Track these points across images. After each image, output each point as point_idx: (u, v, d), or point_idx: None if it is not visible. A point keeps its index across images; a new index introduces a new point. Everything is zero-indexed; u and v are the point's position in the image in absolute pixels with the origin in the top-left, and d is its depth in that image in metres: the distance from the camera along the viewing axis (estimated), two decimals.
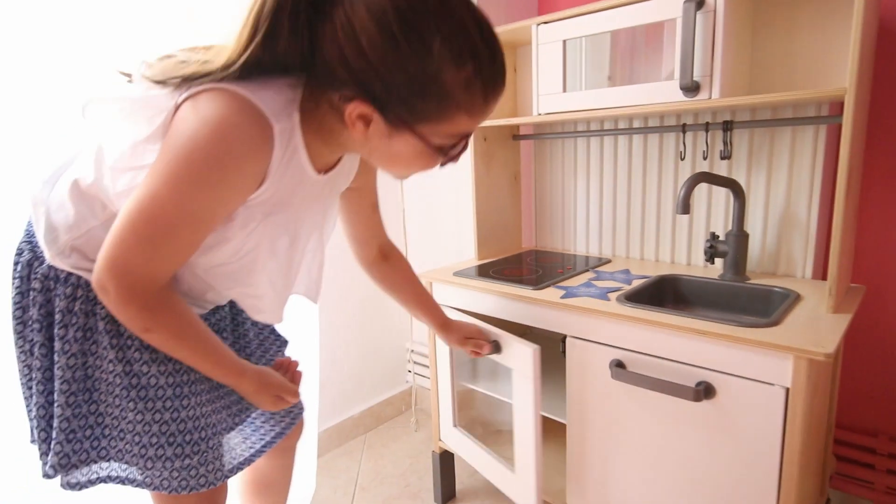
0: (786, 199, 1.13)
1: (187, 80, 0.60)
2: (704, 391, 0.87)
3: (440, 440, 1.39)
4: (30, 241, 0.73)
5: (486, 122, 1.31)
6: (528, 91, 1.48)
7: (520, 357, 1.04)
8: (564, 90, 1.18)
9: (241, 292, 0.76)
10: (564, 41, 1.16)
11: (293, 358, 0.90)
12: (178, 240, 0.63)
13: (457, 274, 1.28)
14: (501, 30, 1.25)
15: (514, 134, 1.51)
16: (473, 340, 1.09)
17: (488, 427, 1.47)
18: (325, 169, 0.72)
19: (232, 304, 0.88)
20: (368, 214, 0.93)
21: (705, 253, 1.16)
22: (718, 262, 1.21)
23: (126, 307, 0.64)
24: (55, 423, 0.71)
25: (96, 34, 1.13)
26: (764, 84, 1.12)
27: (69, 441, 0.72)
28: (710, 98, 0.98)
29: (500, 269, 1.31)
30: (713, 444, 0.89)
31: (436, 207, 1.74)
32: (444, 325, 1.08)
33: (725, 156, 1.14)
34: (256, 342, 0.92)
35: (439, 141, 0.63)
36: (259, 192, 0.65)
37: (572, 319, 1.03)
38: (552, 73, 1.19)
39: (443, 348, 1.29)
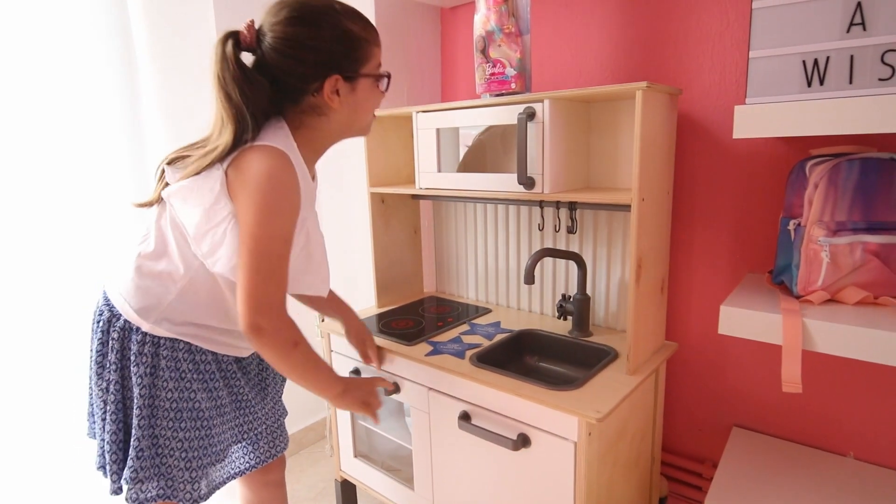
0: (621, 268, 1.34)
1: (217, 159, 0.85)
2: (522, 442, 1.06)
3: (341, 470, 1.56)
4: (107, 303, 0.94)
5: (386, 189, 1.49)
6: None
7: (415, 395, 1.27)
8: (439, 170, 1.36)
9: (306, 279, 0.99)
10: (438, 129, 1.34)
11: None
12: (284, 261, 0.86)
13: None
14: (396, 111, 1.43)
15: (414, 194, 1.69)
16: (363, 347, 1.29)
17: (387, 454, 1.65)
18: (313, 177, 0.98)
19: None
20: None
21: (557, 311, 1.36)
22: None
23: (279, 332, 0.85)
24: (132, 443, 0.90)
25: None
26: (598, 176, 1.32)
27: (139, 458, 0.90)
28: (542, 192, 1.17)
29: (391, 321, 1.49)
30: (528, 486, 1.09)
31: (352, 253, 1.91)
32: (347, 322, 1.27)
33: (572, 231, 1.34)
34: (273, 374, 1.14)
35: (375, 73, 0.93)
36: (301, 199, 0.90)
37: (433, 375, 1.22)
38: (429, 154, 1.37)
39: None
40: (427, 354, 1.24)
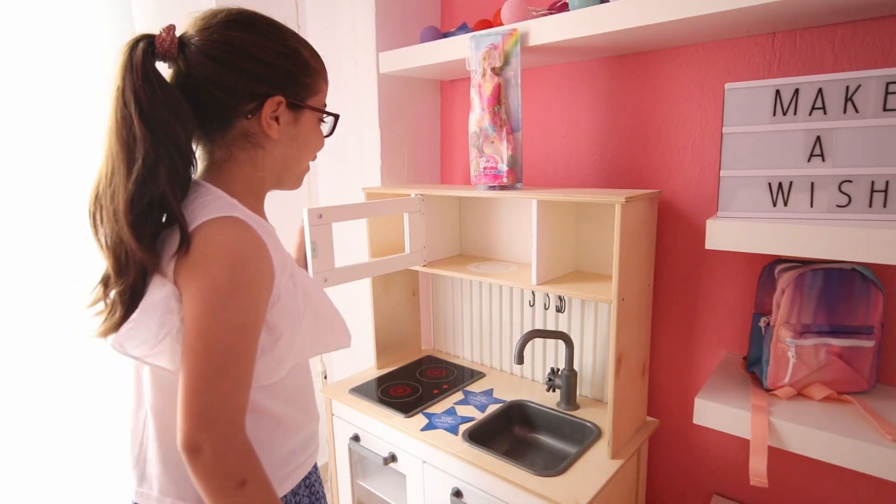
0: (605, 346, 1.42)
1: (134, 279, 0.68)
2: None
3: None
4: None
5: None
6: None
7: (411, 466, 1.31)
8: None
9: (324, 339, 0.84)
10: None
11: None
12: (241, 357, 0.66)
13: (353, 391, 1.53)
14: (398, 190, 1.51)
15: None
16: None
17: None
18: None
19: None
20: None
21: (546, 384, 1.44)
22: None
23: (223, 459, 0.63)
24: None
25: None
26: (585, 258, 1.41)
27: None
28: (532, 283, 1.25)
29: (388, 387, 1.56)
30: None
31: (352, 315, 1.99)
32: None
33: (561, 310, 1.42)
34: None
35: (322, 109, 0.79)
36: (275, 267, 0.72)
37: (428, 450, 1.29)
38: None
39: (343, 462, 1.54)
40: (423, 429, 1.32)
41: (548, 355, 1.55)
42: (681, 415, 1.40)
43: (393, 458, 1.38)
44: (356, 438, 1.49)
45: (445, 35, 1.52)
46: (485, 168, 1.32)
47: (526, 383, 1.58)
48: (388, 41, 1.63)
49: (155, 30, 0.70)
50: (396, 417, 1.38)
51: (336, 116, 0.83)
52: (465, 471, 1.22)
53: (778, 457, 1.24)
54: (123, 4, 1.48)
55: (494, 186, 1.32)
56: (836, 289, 1.05)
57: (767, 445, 1.02)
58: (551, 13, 1.29)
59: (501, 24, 1.32)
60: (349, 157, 1.82)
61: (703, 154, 1.27)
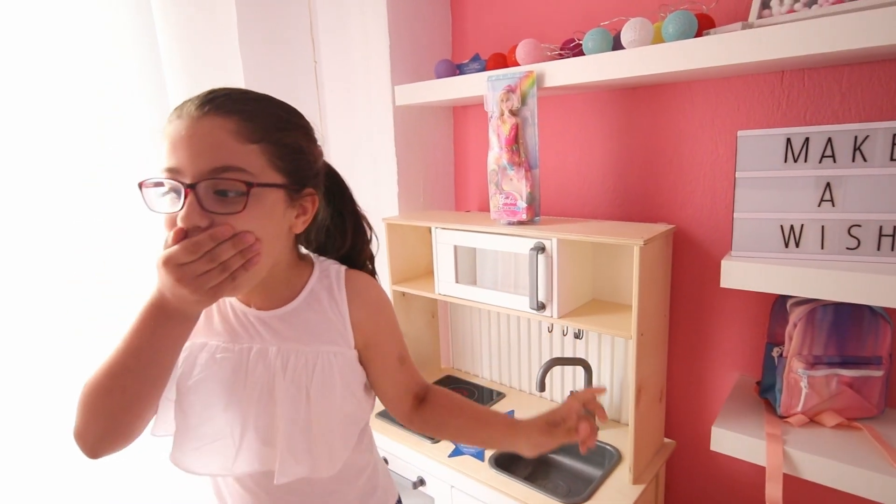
0: (623, 369, 1.48)
1: None
2: None
3: None
4: None
5: (407, 289, 1.63)
6: None
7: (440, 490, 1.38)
8: (456, 281, 1.50)
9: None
10: (455, 246, 1.48)
11: None
12: None
13: (380, 415, 1.60)
14: (416, 223, 1.56)
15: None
16: (565, 425, 0.78)
17: None
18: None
19: None
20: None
21: None
22: None
23: None
24: None
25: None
26: (602, 287, 1.45)
27: None
28: (552, 316, 1.31)
29: None
30: None
31: None
32: (512, 428, 0.82)
33: (579, 336, 1.48)
34: None
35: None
36: None
37: (456, 476, 1.36)
38: (447, 267, 1.51)
39: None
40: (450, 455, 1.38)
41: (566, 378, 1.61)
42: (697, 436, 1.45)
43: (422, 481, 1.44)
44: (384, 461, 1.55)
45: (458, 66, 1.56)
46: (504, 205, 1.36)
47: (545, 404, 1.64)
48: (402, 73, 1.67)
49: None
50: (424, 444, 1.44)
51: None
52: (493, 497, 1.28)
53: (793, 480, 1.30)
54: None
55: (514, 222, 1.36)
56: (846, 322, 1.10)
57: (782, 473, 1.08)
58: (563, 53, 1.33)
59: (516, 62, 1.36)
60: (363, 186, 1.87)
61: (714, 186, 1.32)
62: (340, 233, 0.86)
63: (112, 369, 0.64)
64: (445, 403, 0.89)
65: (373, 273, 0.90)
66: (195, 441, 0.73)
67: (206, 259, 0.59)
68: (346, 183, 0.87)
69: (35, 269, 1.30)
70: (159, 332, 0.63)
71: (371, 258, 0.92)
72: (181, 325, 0.64)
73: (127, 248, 1.35)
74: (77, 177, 1.32)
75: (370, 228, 0.91)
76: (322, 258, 0.83)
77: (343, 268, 0.82)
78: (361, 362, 0.81)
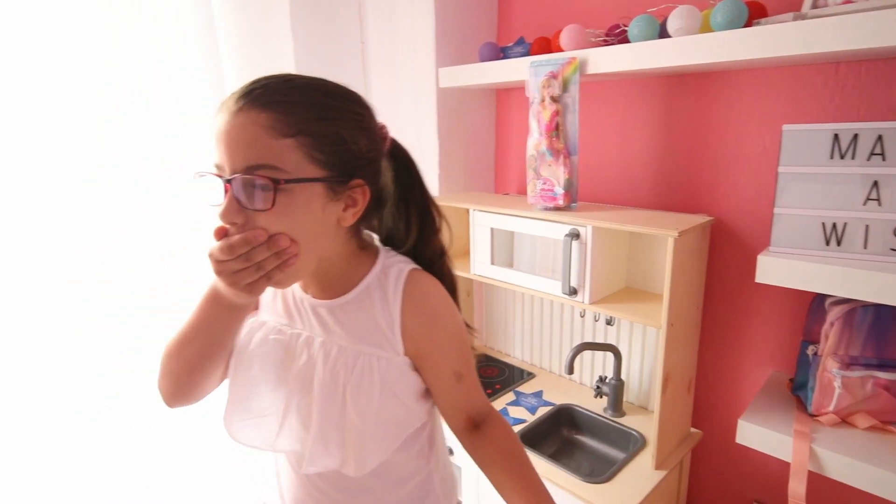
0: (653, 356, 1.49)
1: None
2: None
3: None
4: None
5: None
6: None
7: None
8: (492, 263, 1.53)
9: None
10: (492, 228, 1.51)
11: None
12: None
13: None
14: (455, 204, 1.60)
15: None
16: None
17: None
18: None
19: None
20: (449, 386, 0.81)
21: (594, 390, 1.53)
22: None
23: None
24: None
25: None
26: (635, 275, 1.46)
27: None
28: (583, 301, 1.33)
29: None
30: None
31: None
32: None
33: (610, 323, 1.49)
34: None
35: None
36: None
37: None
38: (483, 248, 1.54)
39: None
40: None
41: (596, 363, 1.63)
42: (725, 428, 1.46)
43: (451, 451, 1.50)
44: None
45: (503, 49, 1.56)
46: (541, 190, 1.38)
47: (574, 386, 1.67)
48: (446, 54, 1.69)
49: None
50: None
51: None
52: None
53: (817, 478, 1.30)
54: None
55: (550, 207, 1.38)
56: (887, 323, 1.07)
57: (807, 471, 1.08)
58: (608, 39, 1.32)
59: (559, 47, 1.36)
60: None
61: (758, 179, 1.29)
62: (404, 222, 0.79)
63: (178, 337, 0.71)
64: (496, 448, 0.83)
65: (442, 274, 0.81)
66: (242, 413, 0.76)
67: (241, 259, 0.60)
68: (415, 166, 0.80)
69: (35, 269, 1.29)
70: (212, 314, 0.68)
71: (442, 252, 0.83)
72: (230, 312, 0.68)
73: (127, 248, 1.34)
74: (77, 177, 1.31)
75: (440, 216, 0.83)
76: (391, 252, 0.79)
77: (408, 268, 0.75)
78: (416, 369, 0.78)
